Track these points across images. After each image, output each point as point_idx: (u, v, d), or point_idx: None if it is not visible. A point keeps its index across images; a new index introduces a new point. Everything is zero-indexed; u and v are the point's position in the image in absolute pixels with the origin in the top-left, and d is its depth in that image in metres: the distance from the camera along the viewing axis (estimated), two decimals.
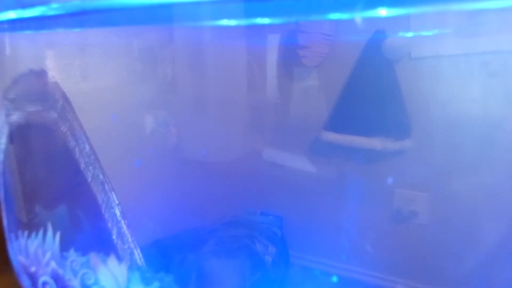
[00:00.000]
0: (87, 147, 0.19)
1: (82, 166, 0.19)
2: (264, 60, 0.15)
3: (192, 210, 0.19)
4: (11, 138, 0.18)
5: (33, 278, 0.19)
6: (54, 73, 0.17)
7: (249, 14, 0.12)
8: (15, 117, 0.18)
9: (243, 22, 0.13)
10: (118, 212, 0.19)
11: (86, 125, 0.18)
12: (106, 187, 0.19)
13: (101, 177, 0.19)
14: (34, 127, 0.18)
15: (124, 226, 0.18)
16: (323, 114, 0.16)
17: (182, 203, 0.19)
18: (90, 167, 0.19)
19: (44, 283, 0.18)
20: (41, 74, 0.16)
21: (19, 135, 0.18)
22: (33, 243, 0.19)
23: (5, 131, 0.18)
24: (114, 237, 0.19)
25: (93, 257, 0.18)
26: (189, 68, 0.17)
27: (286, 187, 0.17)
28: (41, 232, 0.19)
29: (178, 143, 0.18)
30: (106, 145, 0.19)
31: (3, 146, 0.18)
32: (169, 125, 0.18)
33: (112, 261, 0.17)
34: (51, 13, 0.14)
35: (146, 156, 0.19)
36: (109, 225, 0.19)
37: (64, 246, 0.18)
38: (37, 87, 0.17)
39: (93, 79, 0.18)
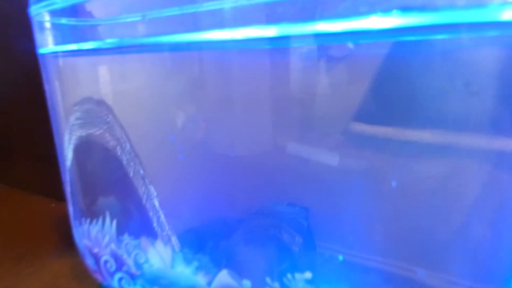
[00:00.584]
0: (128, 146, 0.22)
1: (124, 162, 0.23)
2: (288, 52, 0.15)
3: (221, 201, 0.20)
4: (74, 151, 0.22)
5: (96, 257, 0.22)
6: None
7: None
8: (75, 136, 0.22)
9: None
10: (156, 203, 0.22)
11: (127, 124, 0.21)
12: (146, 180, 0.23)
13: (141, 172, 0.23)
14: (90, 141, 0.22)
15: (162, 216, 0.22)
16: (352, 105, 0.15)
17: (212, 195, 0.20)
18: (131, 163, 0.22)
19: (106, 261, 0.22)
20: (97, 102, 0.20)
21: (80, 147, 0.22)
22: (94, 229, 0.23)
23: (71, 147, 0.22)
24: (155, 225, 0.22)
25: (144, 241, 0.21)
26: (215, 64, 0.18)
27: (312, 179, 0.17)
28: (100, 220, 0.22)
29: (206, 138, 0.20)
30: (144, 142, 0.22)
31: (70, 157, 0.22)
32: (198, 121, 0.19)
33: (159, 244, 0.20)
34: (104, 46, 0.17)
35: (178, 150, 0.20)
36: (150, 214, 0.22)
37: (120, 231, 0.22)
38: (93, 113, 0.20)
39: (130, 80, 0.20)
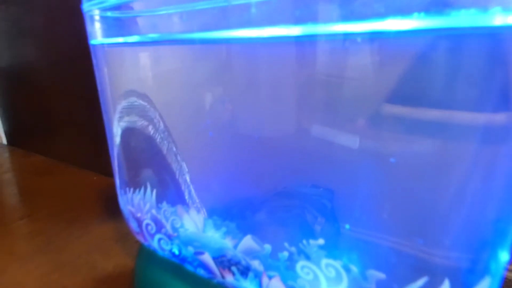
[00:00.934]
0: (162, 125, 0.25)
1: (158, 140, 0.25)
2: (314, 37, 0.15)
3: (246, 180, 0.21)
4: (121, 132, 0.25)
5: (138, 221, 0.26)
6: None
7: None
8: (122, 120, 0.25)
9: None
10: (188, 178, 0.25)
11: (161, 106, 0.23)
12: (179, 157, 0.25)
13: (174, 149, 0.25)
14: (133, 123, 0.25)
15: (193, 190, 0.24)
16: (382, 88, 0.15)
17: (238, 174, 0.22)
18: (165, 141, 0.25)
19: (147, 225, 0.25)
20: (139, 90, 0.23)
21: (125, 128, 0.25)
22: (137, 197, 0.26)
23: (119, 129, 0.25)
24: (186, 197, 0.25)
25: (179, 208, 0.24)
26: (242, 49, 0.19)
27: (335, 162, 0.17)
28: (142, 189, 0.26)
29: (233, 119, 0.20)
30: (177, 123, 0.24)
31: (118, 137, 0.25)
32: (225, 102, 0.21)
33: (192, 211, 0.23)
34: (144, 40, 0.20)
35: (206, 130, 0.22)
36: (182, 187, 0.25)
37: (159, 199, 0.25)
38: (135, 101, 0.23)
39: (165, 67, 0.22)
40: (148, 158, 0.26)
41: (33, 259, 0.34)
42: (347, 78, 0.15)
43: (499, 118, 0.12)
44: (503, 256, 0.13)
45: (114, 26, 0.22)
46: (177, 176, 0.25)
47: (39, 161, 0.67)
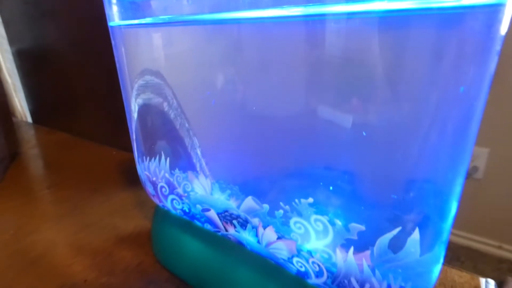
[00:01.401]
0: (175, 102, 0.28)
1: (172, 116, 0.28)
2: (322, 18, 0.16)
3: (255, 159, 0.23)
4: (138, 107, 0.28)
5: (154, 184, 0.29)
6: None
7: None
8: (140, 99, 0.27)
9: None
10: (199, 152, 0.28)
11: (174, 83, 0.25)
12: (191, 133, 0.28)
13: (186, 125, 0.28)
14: (149, 100, 0.27)
15: (204, 163, 0.27)
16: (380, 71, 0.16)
17: (248, 152, 0.23)
18: (178, 118, 0.28)
19: (161, 187, 0.28)
20: (153, 68, 0.25)
21: (142, 104, 0.28)
22: (152, 165, 0.29)
23: (136, 105, 0.28)
24: (198, 169, 0.27)
25: (190, 174, 0.27)
26: (253, 31, 0.20)
27: (355, 142, 0.17)
28: (157, 158, 0.29)
29: (244, 98, 0.22)
30: (190, 99, 0.26)
31: (135, 112, 0.28)
32: (236, 83, 0.22)
33: (201, 177, 0.26)
34: (157, 21, 0.22)
35: (217, 109, 0.23)
36: (194, 160, 0.28)
37: (172, 167, 0.28)
38: (150, 79, 0.26)
39: (178, 47, 0.24)
40: (162, 132, 0.29)
41: (62, 221, 0.38)
42: (353, 60, 0.16)
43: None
44: (454, 207, 0.15)
45: (130, 9, 0.25)
46: (189, 150, 0.28)
47: (62, 138, 0.71)
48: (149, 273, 0.29)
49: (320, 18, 0.16)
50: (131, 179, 0.49)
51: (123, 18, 0.26)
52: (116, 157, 0.58)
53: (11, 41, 0.79)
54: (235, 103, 0.22)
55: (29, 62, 0.78)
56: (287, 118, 0.21)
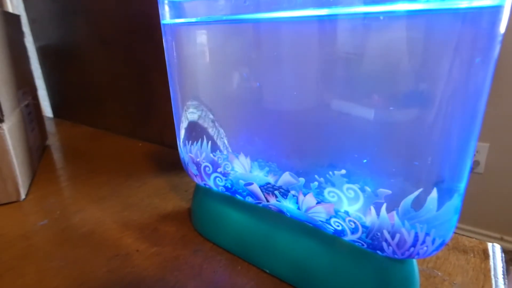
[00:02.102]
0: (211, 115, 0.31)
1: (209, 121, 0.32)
2: (334, 17, 0.19)
3: (272, 150, 0.26)
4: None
5: (197, 165, 0.33)
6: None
7: None
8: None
9: None
10: (226, 141, 0.32)
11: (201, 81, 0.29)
12: (216, 124, 0.32)
13: (211, 116, 0.32)
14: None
15: (231, 150, 0.31)
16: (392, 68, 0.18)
17: (264, 143, 0.26)
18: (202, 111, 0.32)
19: (205, 167, 0.32)
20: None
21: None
22: (195, 148, 0.33)
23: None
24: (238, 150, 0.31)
25: (230, 155, 0.31)
26: (267, 29, 0.23)
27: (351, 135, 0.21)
28: (199, 142, 0.33)
29: (259, 94, 0.25)
30: (213, 96, 0.30)
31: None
32: (248, 84, 0.25)
33: (241, 156, 0.30)
34: (191, 21, 0.26)
35: (235, 105, 0.27)
36: (221, 148, 0.32)
37: (212, 150, 0.32)
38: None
39: (202, 45, 0.28)
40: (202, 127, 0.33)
41: (105, 202, 0.42)
42: (363, 56, 0.20)
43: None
44: (467, 169, 0.19)
45: (177, 8, 0.29)
46: (215, 139, 0.31)
47: (88, 131, 0.75)
48: (194, 243, 0.33)
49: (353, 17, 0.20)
50: (161, 166, 0.53)
51: (170, 17, 0.29)
52: (143, 148, 0.62)
53: (36, 38, 0.82)
54: (254, 97, 0.26)
55: (52, 58, 0.82)
56: (320, 104, 0.24)
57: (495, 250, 0.30)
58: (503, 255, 0.30)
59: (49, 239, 0.35)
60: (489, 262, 0.29)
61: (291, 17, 0.23)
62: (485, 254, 0.30)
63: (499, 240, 1.20)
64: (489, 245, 0.31)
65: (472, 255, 0.30)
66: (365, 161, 0.23)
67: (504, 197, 1.13)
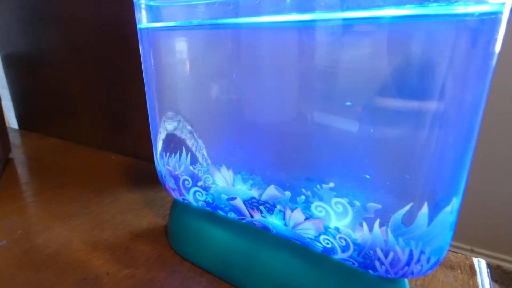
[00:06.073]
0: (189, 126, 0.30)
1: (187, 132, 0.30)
2: (313, 27, 0.19)
3: (251, 162, 0.25)
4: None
5: (176, 178, 0.31)
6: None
7: None
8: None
9: None
10: (205, 153, 0.30)
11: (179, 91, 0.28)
12: (195, 135, 0.30)
13: (189, 127, 0.30)
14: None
15: (210, 162, 0.29)
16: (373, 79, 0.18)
17: (243, 155, 0.25)
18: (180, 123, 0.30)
19: (184, 180, 0.30)
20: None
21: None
22: (173, 160, 0.31)
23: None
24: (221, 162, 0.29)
25: (211, 167, 0.29)
26: (247, 42, 0.22)
27: (339, 152, 0.21)
28: (177, 154, 0.31)
29: (238, 107, 0.24)
30: (192, 106, 0.29)
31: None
32: (230, 93, 0.24)
33: (223, 169, 0.28)
34: (170, 26, 0.25)
35: (214, 117, 0.26)
36: (200, 160, 0.30)
37: (192, 162, 0.30)
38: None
39: (181, 54, 0.27)
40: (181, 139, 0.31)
41: (73, 220, 0.39)
42: (343, 68, 0.19)
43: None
44: (462, 183, 0.18)
45: (153, 13, 0.27)
46: (194, 151, 0.30)
47: (56, 143, 0.71)
48: (171, 263, 0.31)
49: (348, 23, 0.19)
50: (135, 180, 0.50)
51: (148, 21, 0.28)
52: (115, 161, 0.59)
53: (1, 46, 0.78)
54: (233, 109, 0.25)
55: (19, 67, 0.77)
56: (307, 115, 0.23)
57: (481, 266, 0.30)
58: (489, 270, 0.29)
59: (9, 262, 0.31)
60: (476, 279, 0.28)
61: (275, 22, 0.22)
62: (472, 270, 0.29)
63: (470, 251, 1.23)
64: (475, 260, 0.30)
65: (459, 271, 0.29)
66: (354, 174, 0.22)
67: (474, 208, 1.17)
